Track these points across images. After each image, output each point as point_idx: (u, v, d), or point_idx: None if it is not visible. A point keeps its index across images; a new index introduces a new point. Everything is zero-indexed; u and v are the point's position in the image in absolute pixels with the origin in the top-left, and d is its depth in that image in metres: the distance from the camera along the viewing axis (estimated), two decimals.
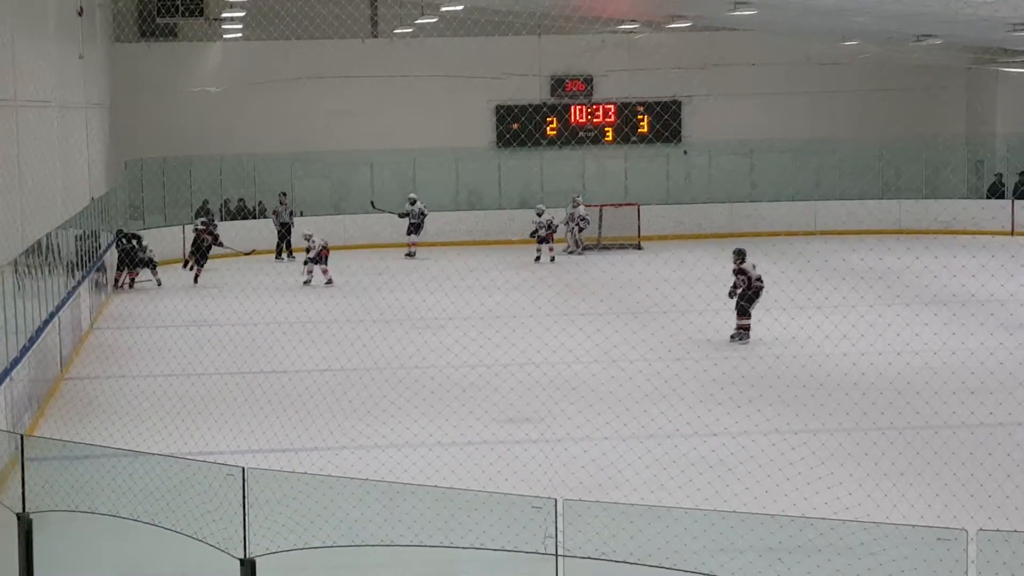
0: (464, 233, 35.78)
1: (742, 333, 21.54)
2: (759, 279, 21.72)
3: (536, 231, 32.48)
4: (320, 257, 28.70)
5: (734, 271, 21.75)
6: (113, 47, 35.26)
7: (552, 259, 32.20)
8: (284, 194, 34.61)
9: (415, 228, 33.63)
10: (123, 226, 32.89)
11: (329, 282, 28.43)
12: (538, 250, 32.37)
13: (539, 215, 32.49)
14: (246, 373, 19.50)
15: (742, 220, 36.41)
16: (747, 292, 21.52)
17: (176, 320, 24.19)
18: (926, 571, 7.62)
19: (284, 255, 33.85)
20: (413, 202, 33.57)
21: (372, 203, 34.75)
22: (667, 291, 25.46)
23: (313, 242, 28.74)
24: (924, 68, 36.71)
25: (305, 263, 28.94)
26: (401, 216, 33.66)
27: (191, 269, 29.70)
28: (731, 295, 21.70)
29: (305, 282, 28.62)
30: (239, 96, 36.36)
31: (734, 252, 21.99)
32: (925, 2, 23.28)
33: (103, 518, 9.79)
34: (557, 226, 32.70)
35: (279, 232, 34.01)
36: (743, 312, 21.57)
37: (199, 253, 29.59)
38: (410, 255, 33.22)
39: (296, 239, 33.31)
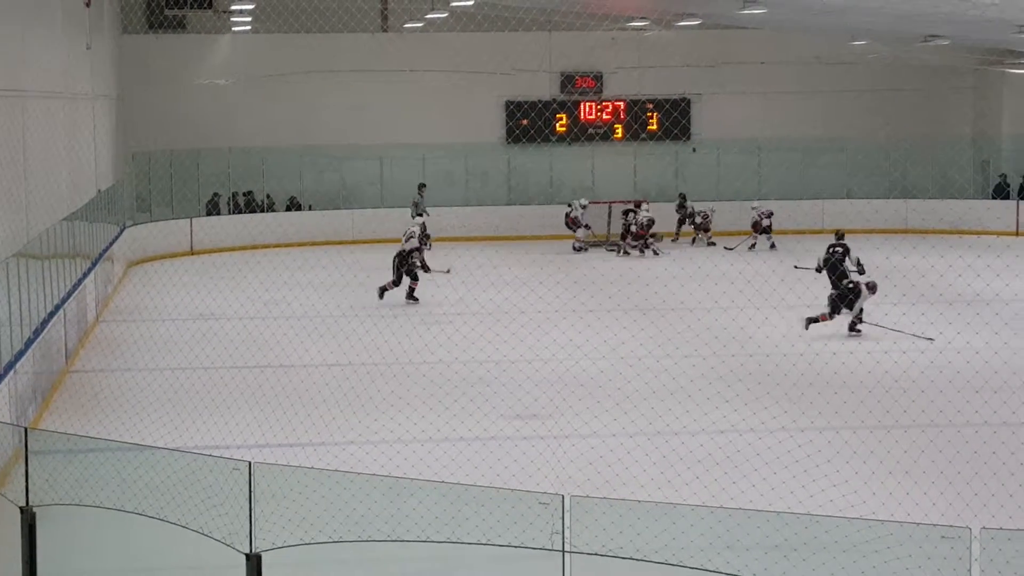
0: (472, 229, 35.77)
1: None
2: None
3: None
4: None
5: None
6: (121, 38, 35.31)
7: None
8: (423, 185, 35.46)
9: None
10: (130, 218, 32.97)
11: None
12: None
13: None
14: (252, 367, 19.51)
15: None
16: None
17: (182, 313, 24.19)
18: (930, 569, 7.63)
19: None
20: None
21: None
22: (675, 288, 25.50)
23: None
24: (932, 69, 36.70)
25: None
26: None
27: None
28: None
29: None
30: (248, 89, 36.36)
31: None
32: (933, 2, 23.25)
33: (107, 512, 9.77)
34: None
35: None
36: None
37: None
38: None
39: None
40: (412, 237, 26.47)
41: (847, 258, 23.90)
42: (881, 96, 38.03)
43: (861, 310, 21.80)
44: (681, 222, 35.75)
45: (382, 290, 25.66)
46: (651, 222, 33.11)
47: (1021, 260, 26.17)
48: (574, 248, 34.03)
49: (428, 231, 32.11)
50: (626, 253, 33.15)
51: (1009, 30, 26.49)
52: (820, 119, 38.23)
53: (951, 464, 13.89)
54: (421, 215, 34.18)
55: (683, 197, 36.10)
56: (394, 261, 25.89)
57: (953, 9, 23.25)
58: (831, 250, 24.13)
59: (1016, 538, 7.71)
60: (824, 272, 23.94)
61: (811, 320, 21.73)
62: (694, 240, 35.21)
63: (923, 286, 25.25)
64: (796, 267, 26.12)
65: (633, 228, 33.10)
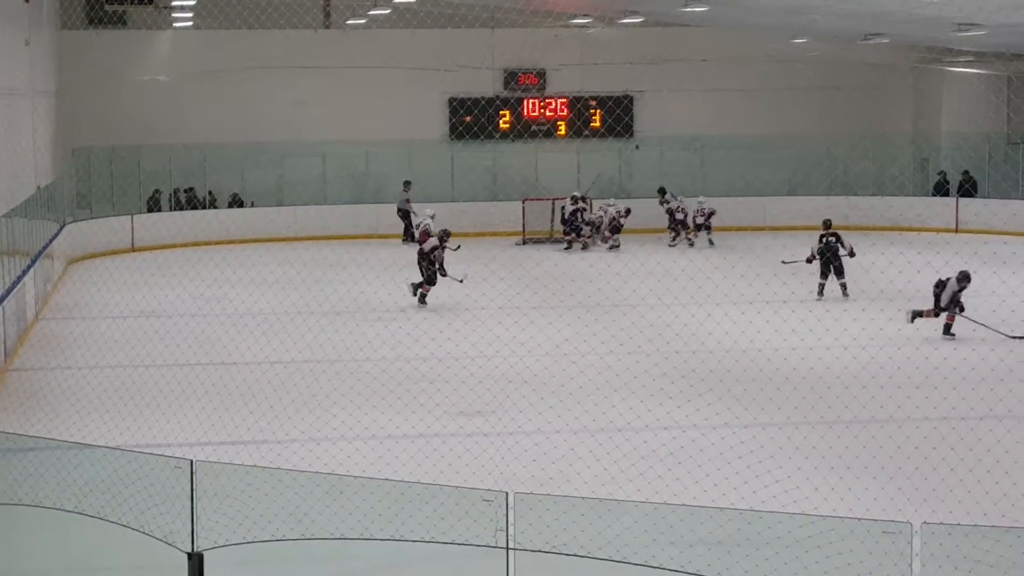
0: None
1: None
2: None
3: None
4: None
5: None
6: (60, 34, 34.99)
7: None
8: (408, 182, 35.45)
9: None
10: (70, 215, 32.72)
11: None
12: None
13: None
14: (194, 365, 19.37)
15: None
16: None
17: (123, 311, 24.02)
18: (872, 563, 7.68)
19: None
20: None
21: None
22: (618, 285, 25.54)
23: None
24: (872, 67, 36.98)
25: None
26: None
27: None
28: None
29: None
30: (189, 85, 36.15)
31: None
32: (874, 1, 23.44)
33: (47, 511, 9.69)
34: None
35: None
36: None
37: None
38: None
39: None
40: (429, 234, 26.18)
41: (841, 245, 24.84)
42: (822, 94, 38.27)
43: (959, 304, 21.29)
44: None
45: (422, 296, 24.70)
46: (628, 211, 33.50)
47: (960, 257, 26.37)
48: (582, 247, 33.96)
49: (416, 229, 32.55)
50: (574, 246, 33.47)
51: (948, 28, 26.73)
52: (762, 116, 38.44)
53: (892, 459, 14.00)
54: (408, 210, 34.53)
55: (663, 191, 35.93)
56: (419, 263, 25.04)
57: (894, 7, 23.44)
58: (824, 240, 24.97)
59: (956, 532, 7.78)
60: (817, 261, 24.96)
61: (916, 314, 21.50)
62: (675, 238, 34.38)
63: (864, 282, 25.45)
64: (784, 263, 25.97)
65: (622, 221, 33.30)
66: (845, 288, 24.97)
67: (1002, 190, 36.48)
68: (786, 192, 38.23)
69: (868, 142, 38.32)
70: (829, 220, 25.81)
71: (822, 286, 24.96)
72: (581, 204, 33.93)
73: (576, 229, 33.59)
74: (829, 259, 24.86)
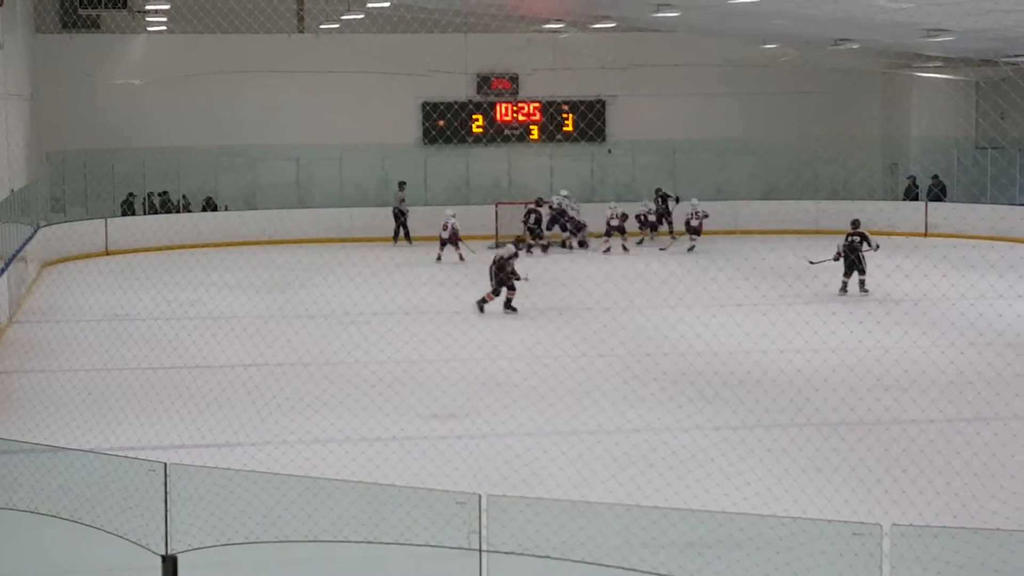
0: (389, 229, 35.72)
1: None
2: None
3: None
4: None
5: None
6: (34, 38, 34.90)
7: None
8: (403, 183, 35.84)
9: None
10: (44, 219, 32.65)
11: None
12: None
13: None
14: (168, 368, 19.38)
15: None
16: None
17: (97, 314, 23.99)
18: (842, 565, 7.75)
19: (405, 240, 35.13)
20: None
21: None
22: (591, 288, 25.63)
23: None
24: (842, 72, 37.13)
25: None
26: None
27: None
28: None
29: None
30: (164, 89, 36.08)
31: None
32: (843, 7, 23.56)
33: (21, 514, 9.69)
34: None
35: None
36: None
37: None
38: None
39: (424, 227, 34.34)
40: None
41: (866, 243, 25.59)
42: (793, 98, 38.41)
43: None
44: (663, 218, 35.51)
45: (482, 303, 24.07)
46: (624, 215, 33.48)
47: (929, 260, 26.59)
48: (579, 244, 34.13)
49: (408, 228, 34.60)
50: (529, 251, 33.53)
51: (917, 34, 26.89)
52: (733, 121, 38.57)
53: (862, 461, 14.10)
54: (403, 210, 35.11)
55: (659, 191, 36.08)
56: (490, 270, 24.49)
57: (863, 12, 23.57)
58: (849, 238, 25.72)
59: (925, 534, 7.86)
60: (842, 260, 25.66)
61: None
62: (640, 242, 34.76)
63: (835, 286, 25.60)
64: (812, 263, 26.06)
65: (613, 221, 33.37)
66: (863, 284, 25.54)
67: (971, 195, 36.67)
68: (758, 196, 38.37)
69: (838, 147, 38.49)
70: (857, 220, 26.36)
71: (845, 284, 25.61)
72: (537, 207, 33.99)
73: (535, 232, 33.63)
74: (853, 259, 25.53)
